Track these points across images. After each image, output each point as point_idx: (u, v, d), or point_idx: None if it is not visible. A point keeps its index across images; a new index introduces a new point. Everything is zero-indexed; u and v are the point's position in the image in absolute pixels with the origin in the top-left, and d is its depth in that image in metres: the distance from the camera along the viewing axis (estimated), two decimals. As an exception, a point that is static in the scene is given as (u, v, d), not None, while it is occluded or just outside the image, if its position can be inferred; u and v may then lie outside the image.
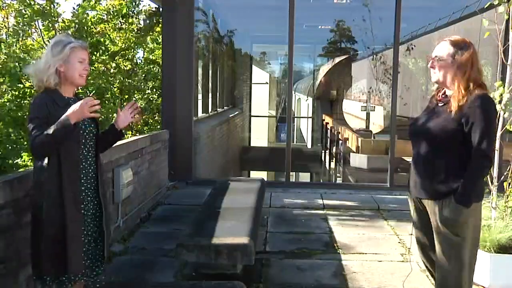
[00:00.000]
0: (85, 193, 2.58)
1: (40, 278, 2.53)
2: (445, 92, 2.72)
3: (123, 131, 2.85)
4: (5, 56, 8.27)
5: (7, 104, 7.86)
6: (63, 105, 2.51)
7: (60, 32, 9.45)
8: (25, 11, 9.43)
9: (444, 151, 2.59)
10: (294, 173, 13.32)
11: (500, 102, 3.83)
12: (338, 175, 12.31)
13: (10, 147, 7.49)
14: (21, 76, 7.89)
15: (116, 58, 10.39)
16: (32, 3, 9.39)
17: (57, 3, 9.70)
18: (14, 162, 7.47)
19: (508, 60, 3.94)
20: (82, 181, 2.57)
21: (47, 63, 2.52)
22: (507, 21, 3.92)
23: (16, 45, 9.36)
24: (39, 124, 2.40)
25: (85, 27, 9.71)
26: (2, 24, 10.39)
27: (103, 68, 9.83)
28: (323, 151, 14.79)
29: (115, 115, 2.76)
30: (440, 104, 2.70)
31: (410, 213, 2.91)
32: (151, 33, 11.09)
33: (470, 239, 2.62)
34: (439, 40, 2.70)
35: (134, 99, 10.30)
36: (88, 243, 2.60)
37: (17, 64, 7.98)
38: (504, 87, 3.85)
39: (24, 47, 9.42)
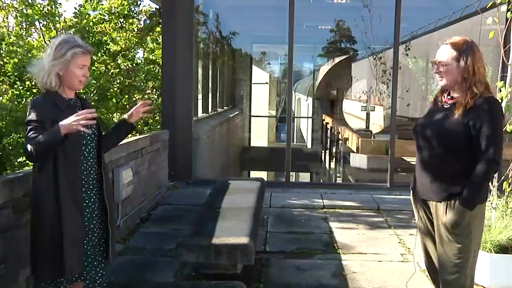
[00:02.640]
0: (87, 195, 2.56)
1: (38, 278, 2.52)
2: (450, 93, 2.69)
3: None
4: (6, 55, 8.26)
5: (9, 104, 7.85)
6: (64, 107, 2.49)
7: (61, 32, 9.44)
8: (26, 10, 9.40)
9: (450, 153, 2.58)
10: (294, 173, 13.29)
11: (501, 102, 3.82)
12: (338, 175, 12.32)
13: (10, 147, 7.48)
14: (21, 75, 7.88)
15: (117, 58, 10.37)
16: (34, 2, 9.37)
17: (59, 3, 9.68)
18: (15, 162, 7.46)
19: (509, 60, 3.93)
20: (83, 182, 2.54)
21: (47, 64, 2.47)
22: (508, 20, 3.91)
23: (15, 45, 9.33)
24: (34, 127, 2.37)
25: (87, 27, 9.68)
26: (2, 24, 10.37)
27: (103, 68, 9.81)
28: (323, 151, 14.78)
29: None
30: (446, 106, 2.67)
31: (414, 215, 2.90)
32: (151, 33, 11.07)
33: (473, 240, 2.62)
34: (440, 42, 2.69)
35: (134, 99, 10.29)
36: (90, 245, 2.58)
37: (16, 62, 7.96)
38: (505, 88, 3.84)
39: (26, 46, 9.39)
